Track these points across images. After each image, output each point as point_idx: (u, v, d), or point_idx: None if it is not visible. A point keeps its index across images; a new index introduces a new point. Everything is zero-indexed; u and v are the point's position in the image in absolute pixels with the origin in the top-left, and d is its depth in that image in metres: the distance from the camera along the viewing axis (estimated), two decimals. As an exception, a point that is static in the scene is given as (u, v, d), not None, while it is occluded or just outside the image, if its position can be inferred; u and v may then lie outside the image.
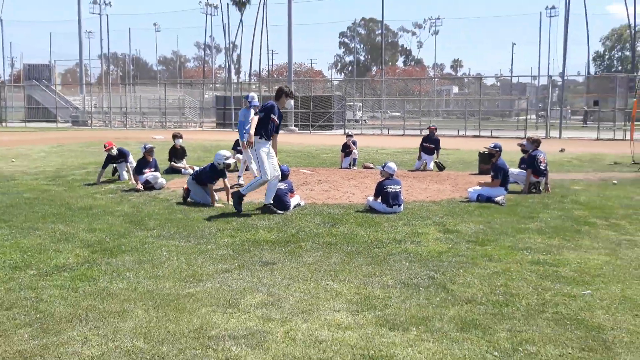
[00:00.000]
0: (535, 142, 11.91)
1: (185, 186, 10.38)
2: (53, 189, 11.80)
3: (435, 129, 16.50)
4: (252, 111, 11.81)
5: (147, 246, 7.10)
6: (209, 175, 10.18)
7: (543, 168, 11.38)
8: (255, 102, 12.12)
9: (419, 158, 15.88)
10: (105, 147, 13.09)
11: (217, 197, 10.20)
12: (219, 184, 10.37)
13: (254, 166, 10.61)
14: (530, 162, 11.45)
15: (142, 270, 6.10)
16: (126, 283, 5.66)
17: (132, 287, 5.54)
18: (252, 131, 9.09)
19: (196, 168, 14.53)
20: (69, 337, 4.36)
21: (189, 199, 10.19)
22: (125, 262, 6.39)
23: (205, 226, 8.24)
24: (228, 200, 10.03)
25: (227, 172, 10.50)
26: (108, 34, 74.64)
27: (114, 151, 12.96)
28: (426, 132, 16.73)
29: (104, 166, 13.00)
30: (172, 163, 14.60)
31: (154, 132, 35.15)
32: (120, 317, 4.77)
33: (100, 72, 77.93)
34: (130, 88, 58.77)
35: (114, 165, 13.31)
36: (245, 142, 10.36)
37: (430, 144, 15.89)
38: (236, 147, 15.47)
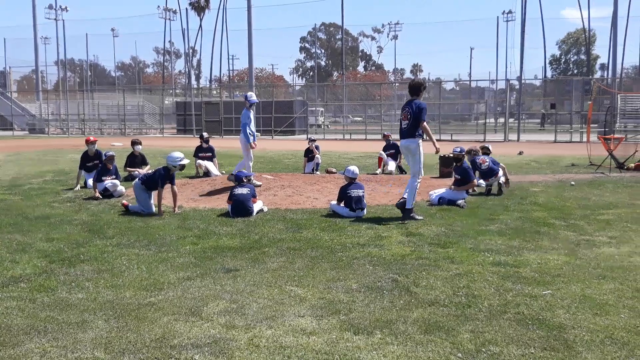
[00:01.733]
0: (470, 152, 12.03)
1: (125, 202, 10.07)
2: (9, 198, 11.51)
3: (389, 135, 16.80)
4: (252, 111, 12.19)
5: (106, 255, 6.97)
6: (160, 179, 9.69)
7: (485, 168, 11.63)
8: (255, 99, 12.28)
9: (380, 165, 16.01)
10: (87, 142, 13.18)
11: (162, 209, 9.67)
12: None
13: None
14: (473, 168, 11.62)
15: (101, 279, 5.98)
16: (85, 293, 5.54)
17: (92, 297, 5.43)
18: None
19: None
20: (27, 350, 4.24)
21: (129, 210, 9.88)
22: (84, 272, 6.25)
23: (166, 234, 8.12)
24: (175, 208, 9.84)
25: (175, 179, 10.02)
26: (65, 40, 73.01)
27: (94, 148, 13.24)
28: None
29: (81, 166, 13.03)
30: (128, 168, 14.32)
31: (113, 139, 34.62)
32: (80, 328, 4.66)
33: (57, 79, 76.43)
34: (88, 94, 57.82)
35: (88, 165, 13.06)
36: (253, 143, 11.87)
37: (391, 150, 16.11)
38: (197, 155, 15.35)
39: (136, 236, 7.98)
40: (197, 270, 6.29)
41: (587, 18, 70.00)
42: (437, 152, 9.59)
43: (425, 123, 9.08)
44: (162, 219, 9.18)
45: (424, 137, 9.21)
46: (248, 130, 12.03)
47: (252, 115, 12.19)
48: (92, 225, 8.73)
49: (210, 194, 11.65)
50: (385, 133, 17.45)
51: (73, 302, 5.29)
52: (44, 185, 13.42)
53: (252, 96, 12.29)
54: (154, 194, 9.80)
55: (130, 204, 10.00)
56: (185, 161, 10.04)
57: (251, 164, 12.36)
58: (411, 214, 9.06)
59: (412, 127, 9.07)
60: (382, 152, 16.20)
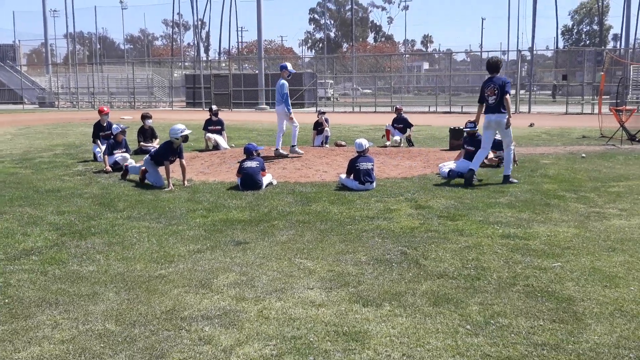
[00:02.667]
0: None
1: (143, 167, 10.07)
2: (20, 171, 11.58)
3: (402, 109, 16.66)
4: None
5: (117, 228, 7.02)
6: (165, 152, 9.73)
7: (498, 140, 11.41)
8: (293, 70, 12.91)
9: (388, 138, 15.86)
10: (101, 112, 13.46)
11: (171, 183, 9.65)
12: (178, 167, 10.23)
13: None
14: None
15: (112, 252, 6.03)
16: (96, 266, 5.59)
17: (103, 269, 5.48)
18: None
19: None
20: (39, 322, 4.30)
21: (146, 181, 9.92)
22: (95, 245, 6.31)
23: (176, 207, 8.16)
24: (184, 182, 9.85)
25: (183, 152, 10.00)
26: (73, 13, 73.11)
27: (107, 118, 13.44)
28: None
29: (95, 136, 13.25)
30: (142, 143, 14.39)
31: (123, 113, 34.64)
32: (91, 300, 4.71)
33: (67, 52, 76.21)
34: (98, 68, 57.65)
35: (101, 135, 13.20)
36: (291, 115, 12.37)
37: (399, 124, 16.02)
38: (207, 128, 15.35)
39: (146, 209, 8.02)
40: (207, 243, 6.33)
41: (601, -13, 68.62)
42: (507, 126, 9.74)
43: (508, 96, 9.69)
44: (172, 192, 9.22)
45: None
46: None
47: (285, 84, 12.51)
48: (103, 199, 8.78)
49: (220, 167, 11.66)
50: (398, 106, 17.28)
51: (84, 274, 5.35)
52: (55, 158, 13.49)
53: (290, 66, 12.62)
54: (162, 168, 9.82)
55: (129, 165, 10.06)
56: (187, 132, 9.94)
57: (282, 135, 12.81)
58: (510, 179, 9.78)
59: (500, 101, 9.61)
60: (390, 125, 16.06)
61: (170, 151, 9.77)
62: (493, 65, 9.95)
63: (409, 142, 15.69)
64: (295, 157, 12.37)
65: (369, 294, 4.79)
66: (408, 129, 15.92)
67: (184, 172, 9.94)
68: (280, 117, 12.72)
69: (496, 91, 9.61)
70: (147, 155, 10.25)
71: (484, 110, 9.94)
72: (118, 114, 32.08)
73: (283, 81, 12.47)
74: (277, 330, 4.13)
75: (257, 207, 8.09)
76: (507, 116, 9.61)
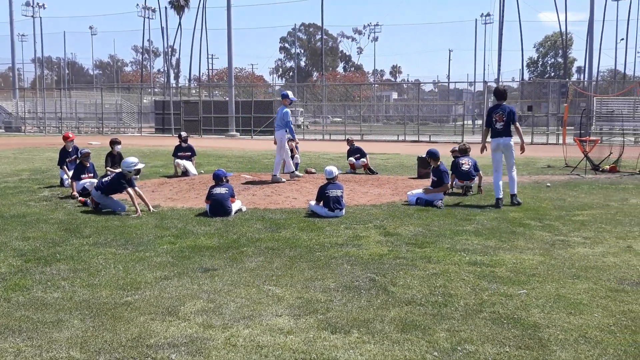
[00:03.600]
0: (457, 151, 12.60)
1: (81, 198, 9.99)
2: (-17, 196, 11.34)
3: (353, 141, 17.20)
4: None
5: (82, 254, 6.91)
6: (118, 185, 9.71)
7: (465, 170, 11.75)
8: (293, 97, 13.57)
9: (353, 169, 16.13)
10: (66, 138, 13.32)
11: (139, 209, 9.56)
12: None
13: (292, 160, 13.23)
14: (453, 167, 11.87)
15: (77, 279, 5.93)
16: (61, 292, 5.49)
17: (68, 296, 5.38)
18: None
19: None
20: (1, 349, 4.20)
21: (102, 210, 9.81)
22: (60, 271, 6.20)
23: (143, 233, 8.07)
24: (149, 207, 9.73)
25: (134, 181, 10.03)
26: (42, 37, 72.27)
27: (72, 144, 13.31)
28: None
29: (61, 163, 13.07)
30: (108, 168, 14.21)
31: (91, 138, 34.29)
32: (55, 327, 4.62)
33: (34, 77, 75.49)
34: (66, 93, 57.17)
35: (67, 160, 13.05)
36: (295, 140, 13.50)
37: (356, 154, 16.40)
38: (176, 154, 15.28)
39: (113, 235, 7.92)
40: (175, 270, 6.27)
41: (564, 21, 70.60)
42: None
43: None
44: (140, 219, 9.12)
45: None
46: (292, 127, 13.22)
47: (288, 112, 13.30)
48: (69, 224, 8.65)
49: (189, 193, 11.60)
50: (349, 138, 17.62)
51: (48, 301, 5.24)
52: (20, 183, 13.26)
53: (291, 94, 13.46)
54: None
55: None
56: (141, 165, 10.08)
57: (287, 160, 13.44)
58: (517, 199, 10.55)
59: (507, 126, 10.55)
60: (351, 159, 16.30)
61: (122, 183, 9.73)
62: (502, 94, 10.89)
63: (371, 171, 15.86)
64: (269, 184, 12.38)
65: (337, 320, 4.79)
66: (364, 158, 16.17)
67: (144, 199, 9.84)
68: (280, 142, 13.33)
69: (504, 117, 10.46)
70: (94, 189, 10.08)
71: (490, 134, 10.70)
72: (86, 139, 31.73)
73: (286, 109, 13.17)
74: (244, 358, 4.10)
75: (226, 234, 8.04)
76: (512, 140, 10.59)
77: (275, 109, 42.12)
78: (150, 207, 9.77)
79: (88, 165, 11.85)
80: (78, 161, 11.99)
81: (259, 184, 12.47)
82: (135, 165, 9.85)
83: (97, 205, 9.86)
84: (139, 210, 9.46)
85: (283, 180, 12.99)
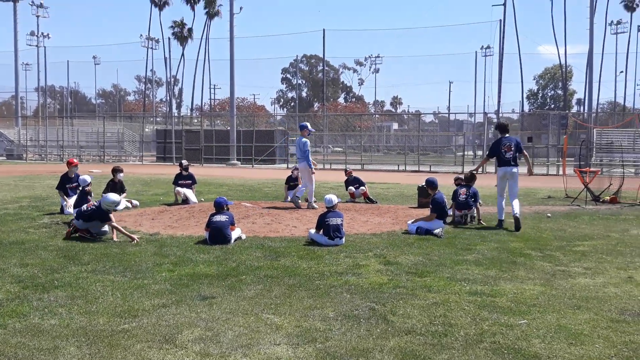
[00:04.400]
0: (460, 179, 12.97)
1: (72, 225, 9.96)
2: (-18, 223, 11.32)
3: (351, 172, 17.23)
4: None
5: (81, 281, 6.87)
6: (99, 218, 9.75)
7: (462, 200, 11.83)
8: (312, 128, 14.30)
9: (353, 197, 16.15)
10: (70, 164, 13.44)
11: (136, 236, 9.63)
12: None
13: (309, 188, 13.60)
14: (453, 196, 12.10)
15: (75, 305, 5.89)
16: (58, 319, 5.45)
17: (65, 323, 5.34)
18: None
19: (135, 202, 14.31)
20: (-6, 377, 4.15)
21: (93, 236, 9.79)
22: (57, 298, 6.16)
23: (142, 261, 8.03)
24: (114, 237, 9.67)
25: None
26: (46, 67, 73.12)
27: (76, 170, 13.42)
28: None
29: (60, 187, 13.16)
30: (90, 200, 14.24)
31: (92, 166, 34.36)
32: (52, 355, 4.58)
33: (37, 105, 76.01)
34: (68, 121, 57.48)
35: (67, 187, 13.09)
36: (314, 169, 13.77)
37: (355, 184, 16.40)
38: (177, 182, 15.29)
39: (112, 262, 7.89)
40: (173, 298, 6.23)
41: (564, 54, 71.32)
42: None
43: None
44: (139, 245, 9.09)
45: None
46: (311, 158, 13.80)
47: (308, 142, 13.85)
48: (68, 251, 8.61)
49: (188, 220, 11.57)
50: (347, 169, 17.63)
51: (45, 328, 5.20)
52: (20, 210, 13.25)
53: (310, 126, 14.13)
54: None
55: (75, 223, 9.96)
56: (120, 207, 10.55)
57: (314, 188, 13.93)
58: (520, 222, 11.04)
59: (515, 156, 11.47)
60: (351, 188, 16.32)
61: (103, 217, 9.78)
62: (505, 127, 11.99)
63: (370, 200, 15.85)
64: (266, 212, 12.36)
65: (336, 350, 4.74)
66: (363, 186, 16.19)
67: (119, 230, 9.77)
68: (304, 173, 13.94)
69: (512, 148, 11.41)
70: (74, 220, 10.05)
71: (498, 164, 11.68)
72: (87, 167, 31.79)
73: (305, 139, 13.67)
74: (242, 386, 4.04)
75: (225, 262, 8.01)
76: (517, 169, 11.53)
77: (276, 139, 42.54)
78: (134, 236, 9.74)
79: (90, 192, 11.90)
80: (83, 188, 12.00)
81: (259, 212, 12.44)
82: (115, 206, 10.11)
83: (77, 231, 9.82)
84: (136, 237, 9.50)
85: (316, 206, 13.37)
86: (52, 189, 14.72)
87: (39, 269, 7.45)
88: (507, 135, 11.70)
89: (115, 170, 14.62)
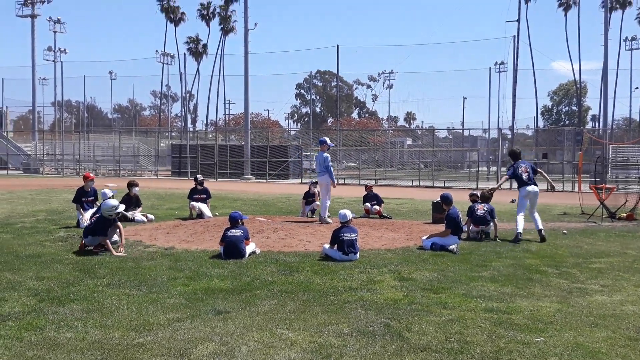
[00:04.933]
0: (475, 196, 13.20)
1: (82, 242, 10.03)
2: (1, 236, 11.43)
3: (372, 187, 17.18)
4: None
5: (96, 295, 6.91)
6: (102, 227, 9.83)
7: (480, 215, 11.89)
8: (331, 143, 14.65)
9: (368, 214, 16.15)
10: (86, 178, 13.55)
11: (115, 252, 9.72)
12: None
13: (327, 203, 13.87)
14: (469, 212, 12.14)
15: (90, 319, 5.92)
16: (74, 332, 5.48)
17: (80, 336, 5.36)
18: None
19: (150, 216, 14.39)
20: (11, 390, 4.17)
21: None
22: (73, 311, 6.19)
23: (157, 274, 8.07)
24: (121, 246, 9.85)
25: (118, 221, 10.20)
26: (62, 81, 73.75)
27: (92, 184, 13.55)
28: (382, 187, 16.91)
29: (76, 200, 13.28)
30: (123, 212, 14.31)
31: (108, 180, 34.61)
32: (66, 368, 4.59)
33: (54, 119, 76.82)
34: (84, 135, 58.01)
35: (82, 200, 13.22)
36: (334, 183, 14.01)
37: (372, 201, 16.40)
38: (192, 197, 15.36)
39: (127, 276, 7.92)
40: (187, 312, 6.24)
41: (578, 70, 71.08)
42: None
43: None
44: (154, 259, 9.13)
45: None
46: (334, 172, 14.03)
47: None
48: (83, 265, 8.67)
49: (203, 235, 11.61)
50: (368, 184, 17.58)
51: (61, 341, 5.23)
52: (37, 224, 13.37)
53: (329, 140, 14.38)
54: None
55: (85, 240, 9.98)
56: (121, 209, 10.33)
57: (329, 202, 14.03)
58: (543, 233, 11.80)
59: (532, 176, 12.32)
60: (367, 204, 16.31)
61: (107, 224, 9.91)
62: (516, 155, 12.76)
63: (383, 217, 15.84)
64: (281, 226, 12.39)
65: (351, 366, 4.72)
66: (379, 205, 16.19)
67: (122, 236, 10.02)
68: (322, 186, 14.12)
69: (528, 169, 12.28)
70: (84, 237, 10.06)
71: (519, 184, 12.34)
72: (103, 181, 32.02)
73: (326, 154, 13.95)
74: (256, 401, 4.03)
75: (240, 276, 8.02)
76: (537, 188, 12.36)
77: (290, 154, 42.66)
78: (122, 248, 9.83)
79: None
80: (99, 206, 12.06)
81: (273, 227, 12.45)
82: (116, 210, 10.08)
83: (87, 247, 9.88)
84: (112, 249, 9.68)
85: (330, 221, 13.50)
86: (69, 202, 14.85)
87: (55, 282, 7.50)
88: (519, 159, 12.57)
89: (131, 185, 14.73)
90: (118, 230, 10.14)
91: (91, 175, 13.95)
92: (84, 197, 13.34)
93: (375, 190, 17.35)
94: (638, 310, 6.58)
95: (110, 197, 11.90)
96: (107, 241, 9.77)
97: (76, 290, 7.14)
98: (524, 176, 12.24)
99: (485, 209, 11.97)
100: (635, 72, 75.49)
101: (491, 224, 11.87)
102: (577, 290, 7.50)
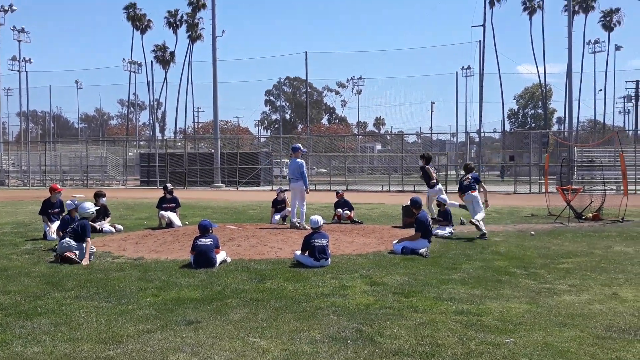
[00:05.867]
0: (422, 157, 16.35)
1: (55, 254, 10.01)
2: (-37, 250, 11.16)
3: (342, 194, 17.27)
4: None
5: (64, 308, 6.79)
6: (84, 227, 9.98)
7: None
8: (304, 149, 15.26)
9: (339, 219, 16.24)
10: (53, 190, 13.37)
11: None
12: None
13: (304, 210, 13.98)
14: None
15: (59, 332, 5.81)
16: (42, 347, 5.37)
17: (48, 350, 5.26)
18: None
19: (119, 226, 14.21)
20: (-24, 408, 4.07)
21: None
22: (41, 325, 6.07)
23: (126, 286, 7.96)
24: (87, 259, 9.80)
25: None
26: (27, 91, 72.45)
27: (58, 196, 13.41)
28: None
29: (43, 212, 13.10)
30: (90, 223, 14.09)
31: (75, 191, 34.06)
32: (33, 384, 4.49)
33: (19, 130, 75.44)
34: (51, 146, 57.10)
35: (49, 212, 13.03)
36: (308, 189, 14.20)
37: (344, 207, 16.52)
38: (161, 206, 15.20)
39: (95, 288, 7.81)
40: (158, 323, 6.17)
41: (543, 73, 72.26)
42: (486, 206, 13.52)
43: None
44: (123, 270, 9.01)
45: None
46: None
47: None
48: (51, 278, 8.51)
49: (173, 244, 11.50)
50: (339, 191, 17.67)
51: (29, 356, 5.12)
52: (2, 237, 13.09)
53: (302, 147, 14.73)
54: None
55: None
56: (94, 208, 10.95)
57: (304, 209, 14.14)
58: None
59: (474, 185, 13.28)
60: (339, 209, 16.41)
61: (85, 230, 10.00)
62: (471, 168, 13.99)
63: (354, 222, 15.92)
64: (251, 234, 12.34)
65: (323, 372, 4.71)
66: (351, 211, 16.32)
67: (88, 251, 9.96)
68: (296, 193, 14.22)
69: (471, 179, 13.37)
70: (63, 240, 9.97)
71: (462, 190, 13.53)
72: (70, 192, 31.52)
73: (301, 160, 14.09)
74: (229, 411, 4.00)
75: (210, 285, 7.95)
76: (476, 193, 13.25)
77: (261, 161, 42.55)
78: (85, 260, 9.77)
79: (74, 217, 11.74)
80: (66, 216, 11.86)
81: (244, 234, 12.39)
82: (93, 213, 10.65)
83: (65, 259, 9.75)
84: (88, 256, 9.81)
85: (307, 227, 13.30)
86: (35, 214, 14.59)
87: (21, 296, 7.35)
88: (469, 173, 13.71)
89: (98, 195, 14.50)
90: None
91: (58, 187, 13.74)
92: (51, 208, 13.14)
93: (346, 196, 17.45)
94: (605, 309, 6.69)
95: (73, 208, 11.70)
96: (86, 245, 9.90)
97: (44, 303, 7.00)
98: (465, 182, 13.49)
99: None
100: (598, 74, 76.94)
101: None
102: (546, 291, 7.60)
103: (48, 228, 12.73)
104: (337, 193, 17.35)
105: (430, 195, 15.88)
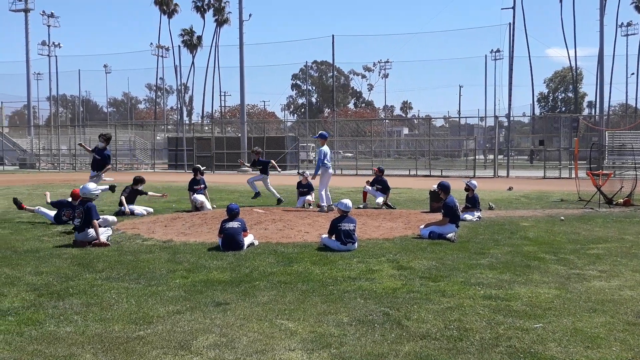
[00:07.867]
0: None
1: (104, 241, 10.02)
2: (-3, 232, 11.41)
3: (383, 170, 16.84)
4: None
5: (95, 289, 6.91)
6: (90, 210, 9.86)
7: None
8: (315, 135, 15.93)
9: (364, 199, 16.10)
10: (74, 196, 12.75)
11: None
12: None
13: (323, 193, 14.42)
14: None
15: (90, 313, 5.92)
16: (74, 326, 5.48)
17: (80, 330, 5.37)
18: None
19: (149, 209, 14.39)
20: (12, 384, 4.17)
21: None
22: (72, 305, 6.19)
23: (156, 267, 8.07)
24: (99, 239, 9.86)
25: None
26: (57, 76, 73.31)
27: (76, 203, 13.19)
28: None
29: (57, 207, 12.89)
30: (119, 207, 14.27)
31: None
32: (67, 362, 4.59)
33: (49, 114, 76.48)
34: (80, 130, 57.88)
35: (62, 214, 12.90)
36: (314, 176, 15.17)
37: (379, 185, 16.21)
38: (192, 188, 15.31)
39: (126, 270, 7.93)
40: (187, 304, 6.24)
41: (574, 57, 70.90)
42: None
43: None
44: (152, 252, 9.13)
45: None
46: (321, 164, 14.88)
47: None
48: (82, 259, 8.66)
49: (201, 227, 11.60)
50: (380, 167, 17.22)
51: (61, 335, 5.23)
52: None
53: (325, 134, 15.31)
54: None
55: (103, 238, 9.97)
56: (98, 191, 10.82)
57: (323, 193, 14.54)
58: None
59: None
60: (368, 187, 16.21)
61: (90, 212, 9.89)
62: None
63: (388, 206, 15.71)
64: (279, 218, 12.40)
65: (351, 355, 4.74)
66: (386, 193, 15.98)
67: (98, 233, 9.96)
68: (322, 177, 14.78)
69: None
70: (76, 234, 10.06)
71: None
72: (99, 175, 31.95)
73: (322, 148, 14.93)
74: (257, 392, 4.04)
75: (238, 268, 8.02)
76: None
77: (287, 145, 42.64)
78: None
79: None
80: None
81: (271, 218, 12.45)
82: (96, 192, 10.48)
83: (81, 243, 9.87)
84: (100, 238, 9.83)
85: (326, 209, 14.07)
86: (65, 197, 14.78)
87: (53, 277, 7.50)
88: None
89: (138, 181, 14.78)
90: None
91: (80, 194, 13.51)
92: (66, 209, 12.71)
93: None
94: (636, 295, 6.60)
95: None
96: (96, 223, 9.86)
97: (75, 284, 7.14)
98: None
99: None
100: (631, 57, 75.17)
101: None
102: (575, 276, 7.52)
103: (47, 213, 12.85)
104: (379, 169, 16.84)
105: None
